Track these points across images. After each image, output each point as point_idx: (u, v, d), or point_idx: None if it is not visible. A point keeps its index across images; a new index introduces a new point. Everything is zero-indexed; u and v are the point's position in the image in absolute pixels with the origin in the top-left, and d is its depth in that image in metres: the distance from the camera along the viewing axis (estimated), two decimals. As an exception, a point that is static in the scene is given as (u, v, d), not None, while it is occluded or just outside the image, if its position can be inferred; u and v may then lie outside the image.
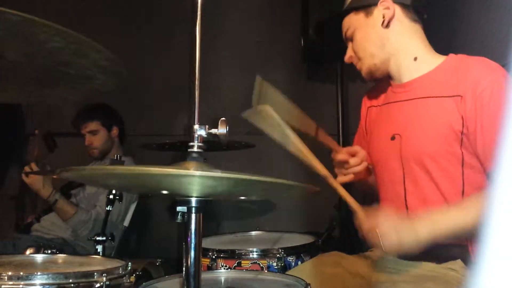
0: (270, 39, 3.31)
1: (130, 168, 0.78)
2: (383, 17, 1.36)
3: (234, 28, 3.29)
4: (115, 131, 2.69)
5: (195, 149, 0.88)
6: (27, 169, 2.29)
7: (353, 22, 1.42)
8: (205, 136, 0.89)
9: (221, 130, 0.89)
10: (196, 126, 0.88)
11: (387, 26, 1.37)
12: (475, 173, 1.25)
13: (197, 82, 0.91)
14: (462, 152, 1.25)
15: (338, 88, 3.05)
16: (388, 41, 1.38)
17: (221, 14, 3.18)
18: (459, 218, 1.16)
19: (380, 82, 1.55)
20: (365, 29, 1.40)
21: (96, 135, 2.62)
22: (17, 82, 1.09)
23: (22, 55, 0.99)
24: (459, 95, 1.25)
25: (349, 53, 1.47)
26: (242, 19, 3.32)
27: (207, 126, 0.88)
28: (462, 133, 1.23)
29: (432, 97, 1.31)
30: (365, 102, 1.61)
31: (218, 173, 0.72)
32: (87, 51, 0.98)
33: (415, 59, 1.37)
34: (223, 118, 0.88)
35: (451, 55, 1.36)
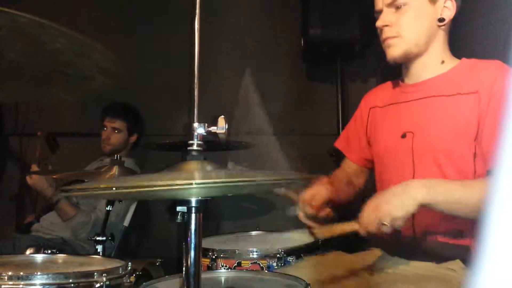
0: (270, 39, 3.31)
1: (126, 185, 0.78)
2: (444, 16, 1.33)
3: (234, 28, 3.29)
4: (134, 137, 2.70)
5: (195, 147, 0.88)
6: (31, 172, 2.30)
7: None
8: (205, 134, 0.89)
9: (220, 127, 0.89)
10: (195, 124, 0.88)
11: (442, 27, 1.35)
12: (486, 169, 1.26)
13: (196, 81, 0.91)
14: (475, 149, 1.26)
15: (338, 88, 3.05)
16: (435, 39, 1.36)
17: (221, 14, 3.17)
18: (460, 190, 1.15)
19: (384, 83, 1.55)
20: (423, 12, 1.33)
21: (117, 134, 2.62)
22: (14, 80, 1.09)
23: (22, 55, 0.99)
24: (475, 92, 1.26)
25: (388, 20, 1.34)
26: (242, 19, 3.32)
27: (206, 124, 0.88)
28: (477, 130, 1.25)
29: (448, 95, 1.32)
30: (366, 103, 1.59)
31: (217, 179, 0.72)
32: (89, 52, 0.98)
33: (443, 62, 1.37)
34: (222, 116, 0.88)
35: (464, 59, 1.38)
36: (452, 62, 1.38)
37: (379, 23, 1.35)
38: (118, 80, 1.10)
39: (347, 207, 1.47)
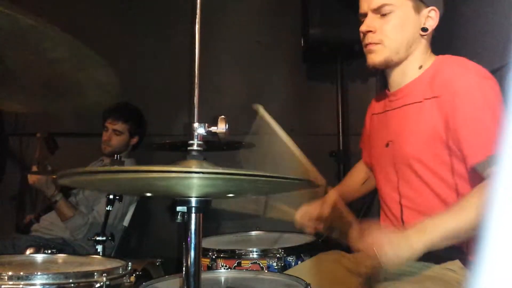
0: (270, 39, 3.31)
1: (126, 170, 0.77)
2: (427, 26, 1.32)
3: (234, 28, 3.29)
4: (135, 140, 2.70)
5: (195, 147, 0.88)
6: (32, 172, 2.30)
7: (397, 3, 1.31)
8: (205, 134, 0.89)
9: (221, 127, 0.89)
10: (195, 125, 0.88)
11: (424, 36, 1.34)
12: (465, 170, 1.24)
13: (196, 81, 0.91)
14: (450, 152, 1.25)
15: (338, 88, 3.05)
16: (416, 48, 1.35)
17: (221, 14, 3.18)
18: (453, 222, 1.14)
19: (381, 91, 1.56)
20: (407, 21, 1.32)
21: (118, 136, 2.62)
22: (8, 89, 1.08)
23: (21, 62, 0.98)
24: (436, 96, 1.26)
25: (372, 26, 1.33)
26: (242, 19, 3.32)
27: (206, 124, 0.89)
28: (445, 132, 1.23)
29: (416, 102, 1.32)
30: (370, 110, 1.62)
31: (216, 170, 0.72)
32: (88, 65, 0.98)
33: (420, 67, 1.36)
34: (222, 116, 0.88)
35: (437, 58, 1.36)
36: (428, 64, 1.36)
37: (363, 28, 1.35)
38: (112, 97, 1.09)
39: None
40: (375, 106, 1.57)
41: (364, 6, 1.36)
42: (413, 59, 1.36)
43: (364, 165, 1.68)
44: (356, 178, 1.71)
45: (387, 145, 1.39)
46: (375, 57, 1.34)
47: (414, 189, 1.32)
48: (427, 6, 1.32)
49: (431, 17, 1.33)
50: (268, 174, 0.75)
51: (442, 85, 1.25)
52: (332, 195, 1.53)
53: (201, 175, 0.74)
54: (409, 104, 1.34)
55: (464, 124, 1.20)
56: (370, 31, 1.33)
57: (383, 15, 1.32)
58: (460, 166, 1.25)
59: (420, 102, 1.30)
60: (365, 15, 1.36)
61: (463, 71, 1.24)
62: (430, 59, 1.37)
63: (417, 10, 1.32)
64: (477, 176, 1.19)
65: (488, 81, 1.21)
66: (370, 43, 1.34)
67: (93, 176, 0.81)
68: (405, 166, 1.32)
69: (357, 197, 1.71)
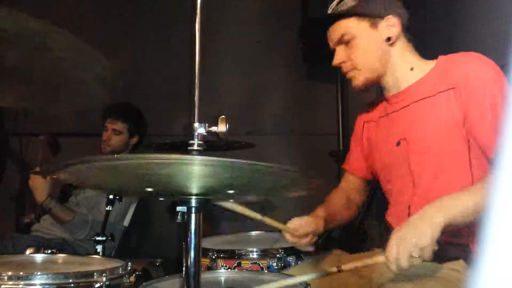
0: (270, 39, 3.31)
1: (126, 157, 0.76)
2: (390, 35, 1.36)
3: (234, 28, 3.29)
4: (135, 139, 2.69)
5: (195, 147, 0.88)
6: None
7: (353, 28, 1.37)
8: (205, 134, 0.89)
9: (221, 127, 0.89)
10: (196, 124, 0.88)
11: (392, 44, 1.37)
12: (483, 165, 1.27)
13: (196, 81, 0.91)
14: (469, 145, 1.27)
15: (338, 88, 3.06)
16: (390, 57, 1.38)
17: (221, 14, 3.18)
18: (472, 199, 1.15)
19: (375, 99, 1.57)
20: (369, 41, 1.37)
21: (117, 135, 2.62)
22: (13, 85, 1.09)
23: (23, 60, 0.98)
24: (453, 88, 1.28)
25: (341, 57, 1.41)
26: (242, 19, 3.32)
27: (207, 124, 0.89)
28: (463, 125, 1.25)
29: (429, 96, 1.34)
30: (361, 118, 1.63)
31: (219, 159, 0.71)
32: (90, 63, 0.98)
33: (412, 69, 1.39)
34: (223, 116, 0.88)
35: (441, 57, 1.38)
36: (425, 65, 1.39)
37: (334, 62, 1.42)
38: (112, 94, 1.09)
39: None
40: (369, 115, 1.58)
41: (330, 43, 1.44)
42: (396, 66, 1.39)
43: (343, 191, 1.63)
44: (338, 203, 1.62)
45: (398, 143, 1.39)
46: (356, 81, 1.41)
47: (428, 186, 1.32)
48: (383, 17, 1.36)
49: (392, 25, 1.36)
50: (270, 165, 0.74)
51: (459, 77, 1.27)
52: (321, 210, 1.49)
53: (202, 161, 0.72)
54: (419, 100, 1.35)
55: (480, 119, 1.22)
56: (343, 62, 1.41)
57: (347, 43, 1.38)
58: (479, 160, 1.26)
59: (433, 96, 1.32)
60: (334, 50, 1.43)
61: (480, 64, 1.27)
62: (423, 60, 1.40)
63: (375, 26, 1.36)
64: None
65: (503, 77, 1.23)
66: (346, 72, 1.42)
67: (93, 164, 0.77)
68: (420, 160, 1.33)
69: (340, 222, 1.63)
